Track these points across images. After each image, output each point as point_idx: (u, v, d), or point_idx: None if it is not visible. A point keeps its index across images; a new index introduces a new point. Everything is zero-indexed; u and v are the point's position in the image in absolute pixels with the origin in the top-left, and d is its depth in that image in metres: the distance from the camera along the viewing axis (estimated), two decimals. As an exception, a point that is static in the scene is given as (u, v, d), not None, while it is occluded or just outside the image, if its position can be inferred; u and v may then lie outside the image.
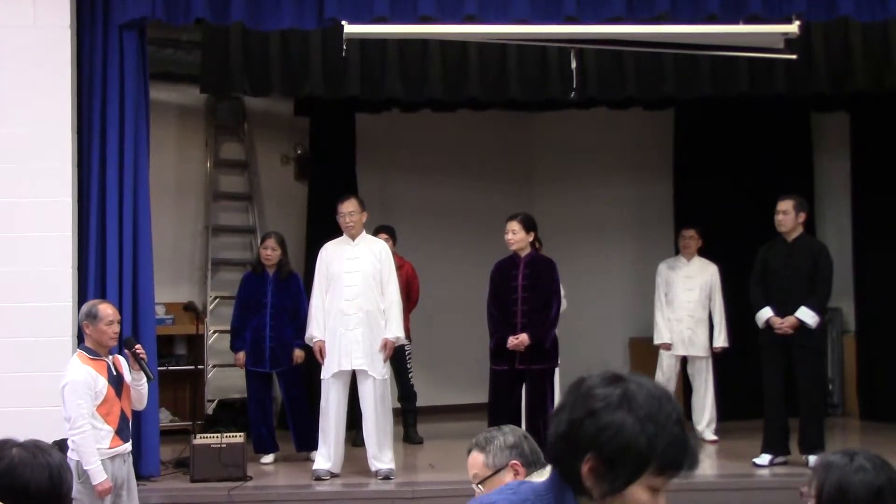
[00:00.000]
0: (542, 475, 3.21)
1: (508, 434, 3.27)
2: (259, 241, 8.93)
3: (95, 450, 5.36)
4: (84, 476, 5.36)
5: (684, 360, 9.12)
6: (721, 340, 8.97)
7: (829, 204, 10.67)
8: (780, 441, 7.64)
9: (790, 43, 7.38)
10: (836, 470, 2.58)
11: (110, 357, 5.57)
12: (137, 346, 5.69)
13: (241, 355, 8.11)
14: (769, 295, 7.68)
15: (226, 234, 10.24)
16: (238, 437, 7.32)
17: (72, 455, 5.42)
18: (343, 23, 7.03)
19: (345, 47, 7.29)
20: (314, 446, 7.57)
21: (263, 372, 8.10)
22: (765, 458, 7.60)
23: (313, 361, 7.59)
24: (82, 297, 7.05)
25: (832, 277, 7.71)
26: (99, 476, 5.34)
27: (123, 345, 5.71)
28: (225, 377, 9.67)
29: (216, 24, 7.60)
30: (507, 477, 3.19)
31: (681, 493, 8.03)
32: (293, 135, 10.53)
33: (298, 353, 7.97)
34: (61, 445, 6.63)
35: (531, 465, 3.22)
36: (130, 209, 7.21)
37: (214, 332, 9.73)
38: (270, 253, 8.10)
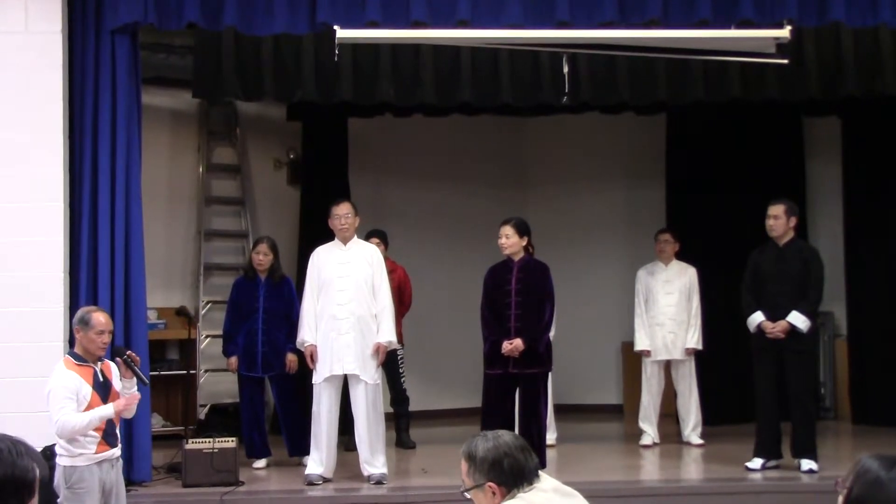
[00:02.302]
0: (526, 492, 3.19)
1: (491, 448, 3.18)
2: (251, 245, 8.92)
3: (84, 414, 5.31)
4: (71, 482, 5.35)
5: (668, 365, 9.14)
6: (693, 342, 8.98)
7: (821, 208, 10.69)
8: (772, 445, 7.64)
9: (782, 48, 7.40)
10: (871, 476, 2.56)
11: (99, 363, 5.53)
12: (129, 351, 5.67)
13: (234, 360, 8.10)
14: (761, 299, 7.68)
15: (218, 238, 10.24)
16: (230, 442, 7.31)
17: (59, 461, 5.41)
18: (335, 27, 7.02)
19: (337, 52, 7.30)
20: (306, 451, 7.56)
21: (256, 377, 8.09)
22: (757, 463, 7.60)
23: (305, 366, 7.58)
24: (74, 302, 7.03)
25: (823, 282, 7.72)
26: (106, 410, 5.37)
27: (114, 353, 5.68)
28: (217, 382, 9.66)
29: (208, 29, 7.59)
30: (487, 495, 3.17)
31: (673, 497, 8.01)
32: (285, 139, 10.52)
33: (291, 359, 7.96)
34: (47, 453, 6.63)
35: (510, 485, 3.16)
36: (122, 214, 7.19)
37: (207, 336, 9.72)
38: (262, 258, 8.10)
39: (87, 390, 5.38)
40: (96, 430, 5.42)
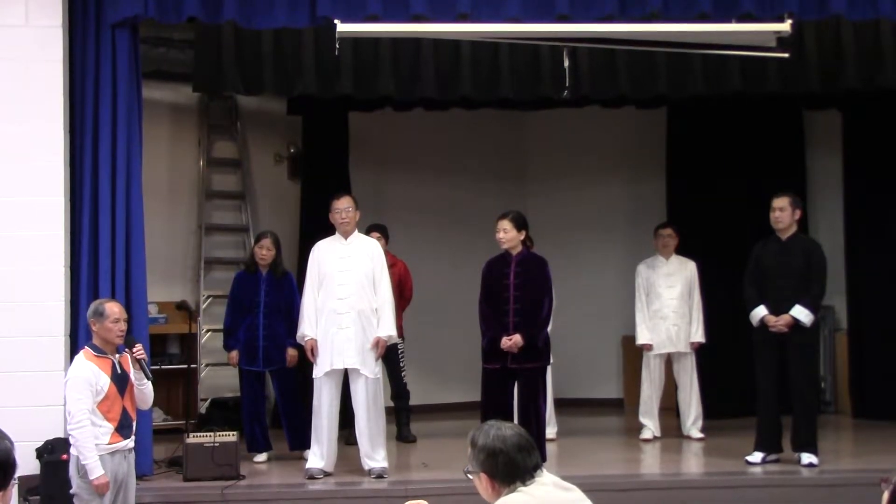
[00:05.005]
0: (527, 485, 3.20)
1: (490, 441, 3.20)
2: (252, 240, 8.92)
3: (93, 445, 5.38)
4: (84, 471, 5.39)
5: (669, 359, 9.15)
6: (698, 336, 9.00)
7: (822, 202, 10.69)
8: (772, 439, 7.65)
9: (782, 41, 7.39)
10: None
11: (117, 355, 5.61)
12: (137, 345, 5.70)
13: (235, 354, 8.10)
14: (763, 293, 7.68)
15: (219, 232, 10.24)
16: (231, 436, 7.32)
17: (73, 451, 5.47)
18: (336, 21, 7.02)
19: (337, 46, 7.29)
20: (307, 445, 7.57)
21: (256, 371, 8.09)
22: (757, 456, 7.61)
23: (306, 360, 7.58)
24: (74, 297, 7.04)
25: (826, 276, 7.71)
26: (96, 471, 5.36)
27: (125, 343, 5.73)
28: (218, 376, 9.67)
29: (208, 23, 7.58)
30: (483, 482, 3.22)
31: (673, 490, 8.02)
32: (286, 134, 10.52)
33: (292, 354, 7.96)
34: (49, 447, 6.67)
35: (500, 480, 3.18)
36: (123, 208, 7.19)
37: (207, 330, 9.73)
38: (266, 253, 8.09)
39: (104, 381, 5.44)
40: (110, 420, 5.46)
